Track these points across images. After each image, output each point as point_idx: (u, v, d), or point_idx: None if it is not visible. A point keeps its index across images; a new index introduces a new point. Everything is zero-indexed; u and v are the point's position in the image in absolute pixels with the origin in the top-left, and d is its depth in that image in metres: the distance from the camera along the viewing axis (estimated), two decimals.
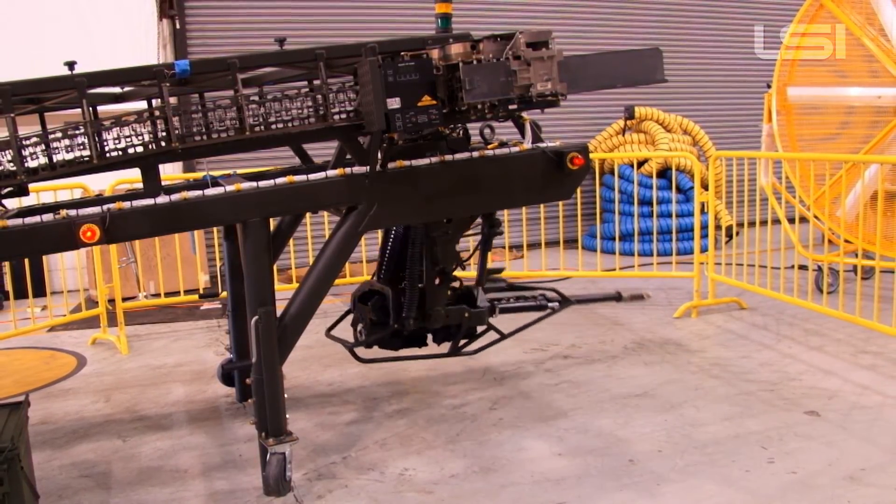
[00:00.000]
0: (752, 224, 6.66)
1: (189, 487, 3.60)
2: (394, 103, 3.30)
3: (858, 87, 6.55)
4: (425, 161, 3.67)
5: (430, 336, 4.43)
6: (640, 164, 9.29)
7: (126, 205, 3.26)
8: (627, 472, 3.58)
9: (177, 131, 3.32)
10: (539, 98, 3.49)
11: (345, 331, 4.57)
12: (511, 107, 3.58)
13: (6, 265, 7.07)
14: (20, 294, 6.38)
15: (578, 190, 4.54)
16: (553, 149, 3.88)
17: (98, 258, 6.27)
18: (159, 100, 3.41)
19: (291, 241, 5.04)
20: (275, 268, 3.87)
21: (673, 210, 8.32)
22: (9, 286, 6.41)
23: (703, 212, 7.33)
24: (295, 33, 7.42)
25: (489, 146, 3.88)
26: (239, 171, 4.21)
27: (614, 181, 9.05)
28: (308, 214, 4.74)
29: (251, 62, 3.65)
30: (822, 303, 5.70)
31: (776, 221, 6.74)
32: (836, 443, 3.80)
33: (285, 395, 3.53)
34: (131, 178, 5.56)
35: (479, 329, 4.47)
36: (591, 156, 4.07)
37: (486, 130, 3.89)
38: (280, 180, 3.48)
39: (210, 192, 3.39)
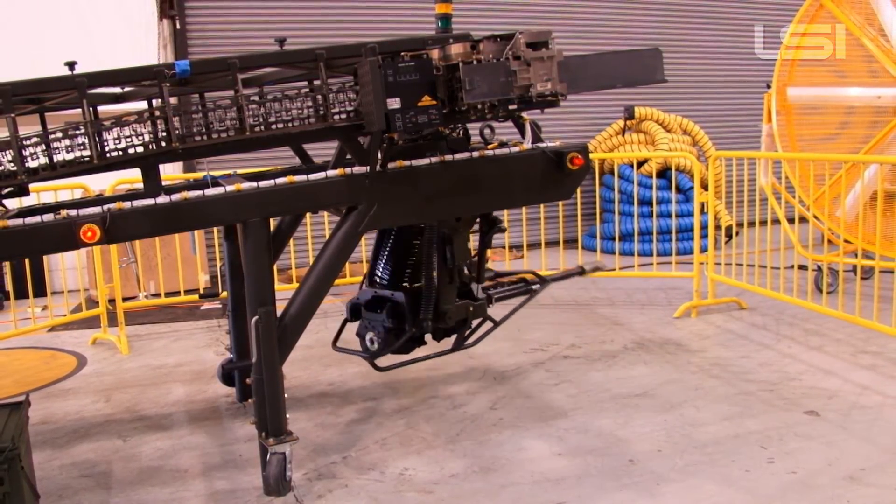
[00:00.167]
0: (751, 224, 6.67)
1: (189, 487, 3.61)
2: (394, 103, 3.30)
3: (858, 87, 6.56)
4: (425, 161, 3.67)
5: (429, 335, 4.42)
6: (640, 164, 9.29)
7: (126, 205, 3.26)
8: (627, 471, 3.59)
9: (177, 131, 3.32)
10: (539, 98, 3.50)
11: (349, 341, 4.53)
12: (511, 107, 3.58)
13: (7, 265, 7.07)
14: (20, 294, 6.39)
15: (578, 190, 4.55)
16: (553, 149, 3.89)
17: (98, 258, 6.28)
18: (160, 100, 3.41)
19: (291, 241, 5.04)
20: (275, 268, 3.87)
21: (673, 210, 8.33)
22: (9, 286, 6.42)
23: (702, 212, 7.34)
24: (295, 33, 7.43)
25: (489, 146, 3.88)
26: (239, 172, 4.21)
27: (614, 181, 9.05)
28: (308, 214, 4.75)
29: (251, 62, 3.65)
30: (821, 303, 5.70)
31: (776, 221, 6.74)
32: (835, 443, 3.80)
33: (285, 395, 3.53)
34: (132, 178, 5.56)
35: (475, 321, 4.44)
36: (590, 156, 4.07)
37: (486, 130, 3.89)
38: (280, 180, 3.48)
39: (210, 192, 3.39)
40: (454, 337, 4.42)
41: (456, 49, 3.41)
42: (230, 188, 3.40)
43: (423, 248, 4.08)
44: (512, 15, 9.54)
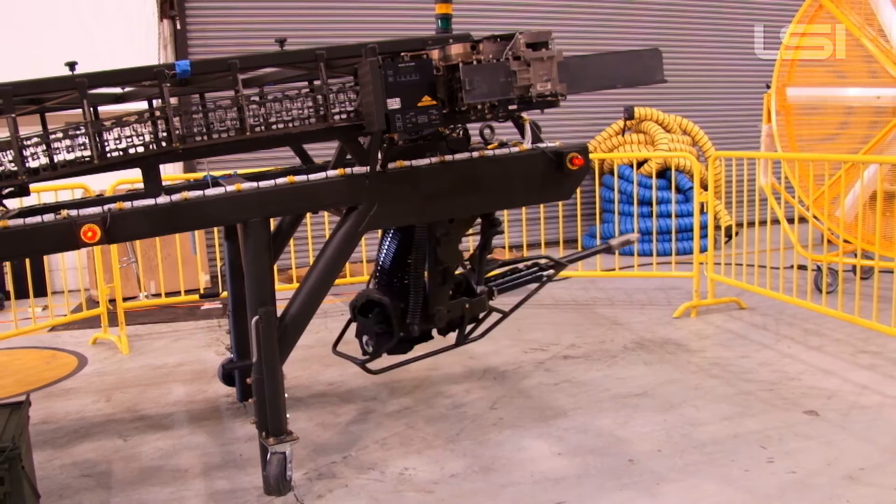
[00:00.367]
0: (751, 224, 6.67)
1: (190, 487, 3.61)
2: (394, 104, 3.31)
3: (857, 87, 6.56)
4: (425, 161, 3.68)
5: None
6: (640, 164, 9.30)
7: (127, 205, 3.27)
8: (627, 471, 3.59)
9: (177, 132, 3.33)
10: (539, 98, 3.50)
11: (352, 341, 4.53)
12: (511, 107, 3.58)
13: (7, 265, 7.07)
14: (21, 294, 6.39)
15: (578, 190, 4.54)
16: (553, 149, 3.89)
17: (99, 258, 6.28)
18: (160, 100, 3.42)
19: (292, 241, 5.05)
20: (275, 268, 3.88)
21: (672, 210, 8.33)
22: (10, 286, 6.42)
23: (702, 212, 7.34)
24: (295, 34, 7.42)
25: (489, 146, 3.89)
26: (239, 172, 4.22)
27: (614, 181, 9.06)
28: (308, 215, 4.76)
29: (252, 63, 3.65)
30: (821, 303, 5.71)
31: (775, 221, 6.75)
32: (835, 442, 3.81)
33: (286, 395, 3.54)
34: (132, 178, 5.57)
35: (482, 314, 4.44)
36: (590, 156, 4.08)
37: (486, 131, 3.89)
38: (280, 180, 3.49)
39: (210, 192, 3.40)
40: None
41: (456, 49, 3.41)
42: (230, 188, 3.40)
43: (401, 253, 4.10)
44: (512, 15, 9.54)
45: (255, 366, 3.47)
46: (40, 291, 6.64)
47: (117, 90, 3.89)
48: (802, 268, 6.51)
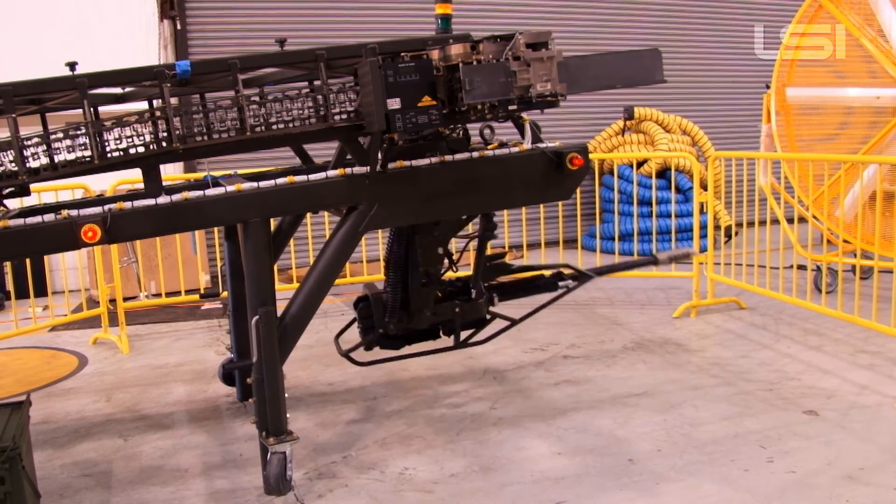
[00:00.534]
0: (750, 224, 6.68)
1: (190, 486, 3.61)
2: (394, 104, 3.31)
3: (857, 87, 6.57)
4: (425, 161, 3.68)
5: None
6: (640, 164, 9.30)
7: (127, 205, 3.28)
8: (627, 471, 3.60)
9: (178, 132, 3.34)
10: (539, 99, 3.50)
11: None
12: (511, 107, 3.58)
13: (7, 265, 7.07)
14: (21, 294, 6.40)
15: (578, 190, 4.54)
16: (553, 149, 3.89)
17: (99, 258, 6.29)
18: (160, 100, 3.42)
19: (292, 241, 5.06)
20: (275, 268, 3.88)
21: (672, 210, 8.33)
22: (10, 286, 6.42)
23: (702, 212, 7.35)
24: (295, 34, 7.44)
25: (489, 146, 3.89)
26: (240, 172, 4.23)
27: (614, 181, 9.07)
28: (308, 215, 4.76)
29: (252, 63, 3.66)
30: (820, 302, 5.71)
31: (775, 221, 6.75)
32: (834, 442, 3.81)
33: (286, 395, 3.54)
34: (132, 178, 5.57)
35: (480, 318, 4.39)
36: (590, 156, 4.08)
37: (486, 131, 3.90)
38: (281, 180, 3.49)
39: (211, 192, 3.41)
40: (467, 334, 4.41)
41: (456, 49, 3.42)
42: (231, 188, 3.41)
43: (390, 250, 4.14)
44: (511, 16, 9.55)
45: (255, 366, 3.48)
46: (41, 291, 6.65)
47: (118, 90, 3.90)
48: (802, 268, 6.51)
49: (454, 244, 4.66)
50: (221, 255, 6.70)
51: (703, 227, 7.19)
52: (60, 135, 3.23)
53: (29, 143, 3.19)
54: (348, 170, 3.58)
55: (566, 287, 4.47)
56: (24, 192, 3.40)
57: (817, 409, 4.25)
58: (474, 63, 3.40)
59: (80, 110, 3.27)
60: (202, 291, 7.48)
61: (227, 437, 4.18)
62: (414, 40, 3.70)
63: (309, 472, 3.70)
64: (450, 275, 4.36)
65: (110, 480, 3.71)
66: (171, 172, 7.40)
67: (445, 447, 3.93)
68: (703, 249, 6.66)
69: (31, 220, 3.16)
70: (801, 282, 6.25)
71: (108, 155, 3.30)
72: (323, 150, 4.33)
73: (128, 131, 3.32)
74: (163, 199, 3.31)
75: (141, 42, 8.05)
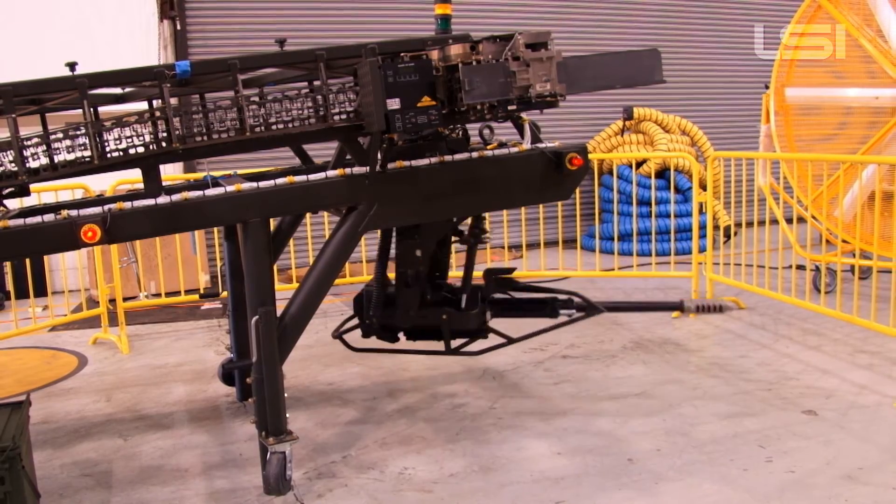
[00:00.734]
0: (750, 224, 6.69)
1: (190, 486, 3.62)
2: (394, 104, 3.31)
3: (856, 87, 6.57)
4: (425, 161, 3.69)
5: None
6: (639, 164, 9.31)
7: (127, 205, 3.28)
8: (626, 471, 3.60)
9: (177, 132, 3.34)
10: (538, 99, 3.50)
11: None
12: (510, 107, 3.58)
13: (7, 265, 7.08)
14: (21, 294, 6.40)
15: (577, 190, 4.55)
16: (552, 149, 3.90)
17: (99, 258, 6.29)
18: (160, 100, 3.42)
19: (291, 241, 5.06)
20: (275, 268, 3.88)
21: (671, 210, 8.34)
22: (10, 286, 6.43)
23: (701, 212, 7.36)
24: (295, 34, 7.44)
25: (488, 147, 3.90)
26: (239, 172, 4.23)
27: (613, 181, 9.07)
28: (308, 215, 4.76)
29: (252, 63, 3.66)
30: (819, 302, 5.72)
31: (774, 221, 6.76)
32: (833, 442, 3.82)
33: (285, 395, 3.55)
34: (132, 178, 5.58)
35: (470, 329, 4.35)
36: (589, 156, 4.08)
37: (486, 131, 3.90)
38: (280, 181, 3.50)
39: (210, 192, 3.41)
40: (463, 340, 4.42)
41: (455, 50, 3.42)
42: (230, 188, 3.41)
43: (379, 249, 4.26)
44: (511, 16, 9.55)
45: (254, 365, 3.48)
46: (40, 291, 6.65)
47: (117, 90, 3.90)
48: (801, 268, 6.52)
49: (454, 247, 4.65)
50: (221, 255, 6.70)
51: (703, 227, 7.19)
52: (60, 135, 3.24)
53: (29, 143, 3.20)
54: (348, 170, 3.58)
55: (568, 316, 4.28)
56: (24, 192, 3.40)
57: (816, 408, 4.25)
58: (474, 63, 3.40)
59: (80, 110, 3.27)
60: (202, 291, 7.48)
61: (227, 437, 4.18)
62: (413, 40, 3.71)
63: (308, 471, 3.71)
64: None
65: (110, 480, 3.71)
66: (171, 172, 7.40)
67: (445, 447, 3.94)
68: (702, 249, 6.67)
69: (30, 220, 3.16)
70: (800, 282, 6.26)
71: (108, 155, 3.30)
72: (323, 151, 4.33)
73: (127, 131, 3.32)
74: (162, 200, 3.32)
75: (141, 42, 8.05)
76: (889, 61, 6.31)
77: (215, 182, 3.58)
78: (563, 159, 3.83)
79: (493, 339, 4.37)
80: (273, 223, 4.08)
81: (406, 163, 3.65)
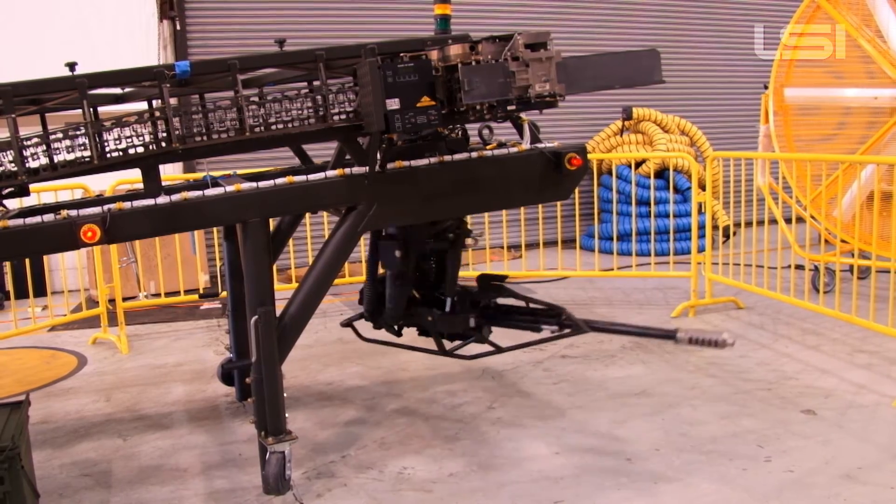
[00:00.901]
0: (749, 224, 6.69)
1: (189, 486, 3.62)
2: (393, 104, 3.32)
3: (855, 88, 6.58)
4: (424, 162, 3.69)
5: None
6: (638, 164, 9.32)
7: (126, 205, 3.28)
8: (625, 470, 3.60)
9: (177, 132, 3.34)
10: (537, 99, 3.51)
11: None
12: (509, 108, 3.59)
13: (7, 265, 7.08)
14: (21, 294, 6.40)
15: (576, 190, 4.55)
16: (551, 149, 3.90)
17: (98, 258, 6.29)
18: (160, 101, 3.43)
19: (291, 242, 5.06)
20: (274, 268, 3.88)
21: (670, 210, 8.35)
22: (10, 286, 6.43)
23: (700, 212, 7.35)
24: (295, 34, 7.44)
25: (488, 147, 3.90)
26: (239, 172, 4.23)
27: (612, 181, 9.06)
28: (307, 215, 4.77)
29: (251, 63, 3.66)
30: (818, 302, 5.73)
31: (773, 221, 6.76)
32: (832, 441, 3.83)
33: (284, 395, 3.55)
34: (132, 178, 5.58)
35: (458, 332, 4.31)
36: (589, 156, 4.08)
37: (485, 131, 3.90)
38: (280, 181, 3.50)
39: (210, 192, 3.41)
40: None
41: (455, 50, 3.42)
42: (230, 188, 3.41)
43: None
44: (510, 16, 9.56)
45: (254, 365, 3.48)
46: (40, 291, 6.65)
47: (117, 91, 3.90)
48: (800, 267, 6.53)
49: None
50: (220, 255, 6.70)
51: (702, 226, 7.20)
52: (60, 135, 3.24)
53: (28, 143, 3.20)
54: (347, 170, 3.59)
55: (552, 332, 4.04)
56: (24, 192, 3.40)
57: (815, 408, 4.26)
58: (473, 63, 3.41)
59: (80, 110, 3.28)
60: (201, 291, 7.49)
61: (226, 437, 4.19)
62: (413, 41, 3.71)
63: (308, 471, 3.71)
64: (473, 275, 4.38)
65: (109, 480, 3.71)
66: (171, 173, 7.40)
67: (444, 447, 3.94)
68: (701, 249, 6.68)
69: (30, 220, 3.16)
70: (798, 281, 6.27)
71: (108, 155, 3.30)
72: (322, 151, 4.33)
73: (127, 131, 3.32)
74: (162, 200, 3.32)
75: (140, 42, 8.05)
76: (888, 61, 6.31)
77: (215, 182, 3.58)
78: (562, 159, 3.83)
79: (481, 349, 4.34)
80: (272, 223, 4.08)
81: (405, 163, 3.65)
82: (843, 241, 6.40)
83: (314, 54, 3.53)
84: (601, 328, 4.04)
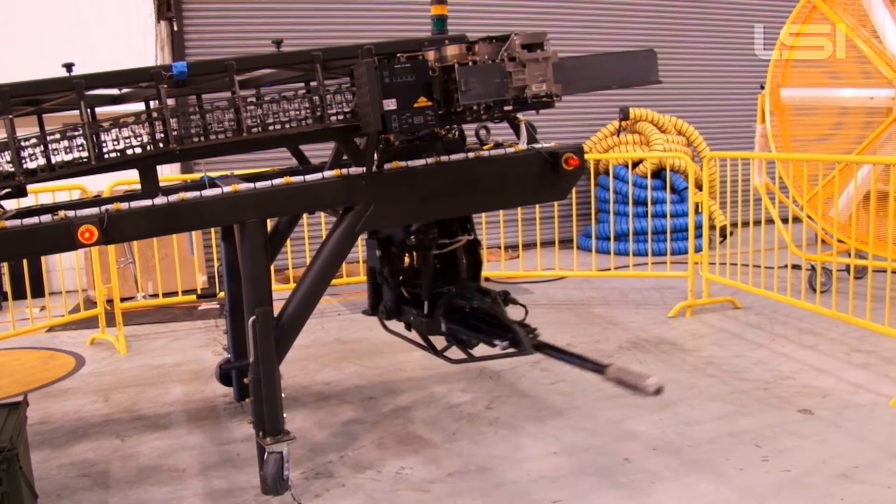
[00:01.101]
0: (745, 224, 6.70)
1: (187, 486, 3.62)
2: (390, 104, 3.32)
3: (851, 88, 6.59)
4: (421, 162, 3.70)
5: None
6: (635, 164, 9.32)
7: (124, 206, 3.28)
8: (622, 470, 3.61)
9: (175, 133, 3.34)
10: (534, 99, 3.52)
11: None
12: (506, 108, 3.60)
13: (5, 266, 7.08)
14: (19, 294, 6.40)
15: (573, 190, 4.55)
16: (548, 149, 3.90)
17: (96, 259, 6.29)
18: (157, 101, 3.42)
19: (288, 242, 5.07)
20: (272, 268, 3.89)
21: (667, 210, 8.34)
22: (7, 287, 6.44)
23: (697, 212, 7.38)
24: (292, 35, 7.45)
25: (485, 147, 3.91)
26: (236, 173, 4.23)
27: (609, 182, 9.07)
28: (305, 215, 4.77)
29: (248, 64, 3.67)
30: (815, 302, 5.74)
31: (770, 221, 6.77)
32: (829, 441, 3.83)
33: (282, 395, 3.56)
34: (129, 179, 5.57)
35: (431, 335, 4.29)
36: (586, 156, 4.09)
37: (482, 131, 3.91)
38: (277, 181, 3.50)
39: (207, 192, 3.42)
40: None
41: (451, 50, 3.43)
42: (227, 189, 3.42)
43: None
44: (507, 17, 9.56)
45: (252, 366, 3.49)
46: (38, 292, 6.65)
47: (115, 91, 3.90)
48: (797, 267, 6.54)
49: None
50: (218, 256, 6.70)
51: (699, 226, 7.22)
52: (57, 136, 3.23)
53: (26, 143, 3.20)
54: (345, 170, 3.59)
55: (502, 349, 3.89)
56: (21, 193, 3.40)
57: (812, 408, 4.27)
58: (470, 64, 3.41)
59: (77, 111, 3.28)
60: (199, 292, 7.48)
61: (225, 437, 4.19)
62: (410, 41, 3.71)
63: (306, 471, 3.71)
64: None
65: (108, 481, 3.72)
66: (168, 173, 7.40)
67: (442, 447, 3.94)
68: (698, 249, 6.69)
69: (28, 220, 3.15)
70: (795, 281, 6.28)
71: (105, 156, 3.29)
72: (320, 151, 4.34)
73: (125, 132, 3.31)
74: (160, 200, 3.32)
75: (138, 43, 8.05)
76: (884, 62, 6.33)
77: (212, 183, 3.58)
78: (559, 159, 3.84)
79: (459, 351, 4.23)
80: (270, 224, 4.08)
81: (403, 163, 3.66)
82: (839, 240, 6.41)
83: (311, 55, 3.53)
84: (546, 351, 3.90)
